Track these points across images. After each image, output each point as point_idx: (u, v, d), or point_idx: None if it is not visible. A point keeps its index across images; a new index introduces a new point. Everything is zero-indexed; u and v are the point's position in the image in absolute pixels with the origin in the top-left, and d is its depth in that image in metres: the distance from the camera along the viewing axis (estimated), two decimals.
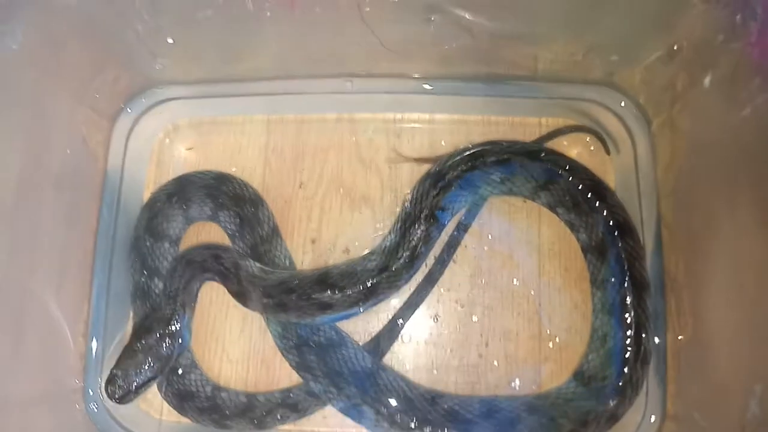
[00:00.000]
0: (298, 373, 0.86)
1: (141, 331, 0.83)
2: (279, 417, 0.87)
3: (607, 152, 0.91)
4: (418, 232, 0.85)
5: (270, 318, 0.87)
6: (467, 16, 0.74)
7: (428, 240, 0.86)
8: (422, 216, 0.85)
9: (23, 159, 0.75)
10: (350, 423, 0.87)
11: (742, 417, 0.61)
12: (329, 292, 0.81)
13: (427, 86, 0.95)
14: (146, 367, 0.80)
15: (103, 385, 0.80)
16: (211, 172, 0.93)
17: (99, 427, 0.85)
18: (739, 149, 0.70)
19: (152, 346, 0.81)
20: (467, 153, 0.88)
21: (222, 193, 0.91)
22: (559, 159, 0.88)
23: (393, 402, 0.81)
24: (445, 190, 0.86)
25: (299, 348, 0.84)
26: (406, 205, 0.89)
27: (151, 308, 0.88)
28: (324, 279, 0.82)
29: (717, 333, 0.74)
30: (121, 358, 0.81)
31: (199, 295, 0.90)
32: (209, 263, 0.86)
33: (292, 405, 0.87)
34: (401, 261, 0.84)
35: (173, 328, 0.83)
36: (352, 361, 0.84)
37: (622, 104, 0.90)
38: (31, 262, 0.78)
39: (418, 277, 0.90)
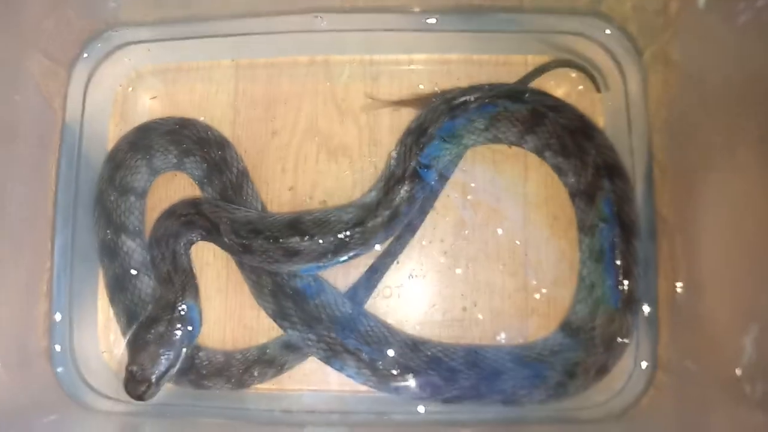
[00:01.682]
0: (275, 321, 0.82)
1: (148, 321, 0.80)
2: (256, 374, 0.84)
3: (598, 90, 0.85)
4: (401, 191, 0.80)
5: (243, 264, 0.84)
6: None
7: (411, 201, 0.82)
8: (406, 175, 0.80)
9: None
10: (333, 380, 0.85)
11: (737, 360, 0.58)
12: (298, 238, 0.77)
13: (404, 21, 0.88)
14: (162, 358, 0.77)
15: (123, 384, 0.76)
16: (172, 118, 0.88)
17: (66, 389, 0.82)
18: (742, 78, 0.64)
19: (162, 334, 0.78)
20: (447, 101, 0.82)
21: (185, 137, 0.86)
22: (545, 99, 0.82)
23: (374, 349, 0.78)
24: (427, 145, 0.81)
25: (275, 294, 0.81)
26: (391, 162, 0.84)
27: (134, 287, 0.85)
28: (295, 224, 0.78)
29: (711, 276, 0.70)
30: (134, 352, 0.78)
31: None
32: (183, 221, 0.82)
33: (269, 361, 0.84)
34: (379, 219, 0.80)
35: (180, 311, 0.79)
36: (331, 306, 0.80)
37: (610, 34, 0.84)
38: None
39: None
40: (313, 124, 0.91)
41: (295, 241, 0.77)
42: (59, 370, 0.83)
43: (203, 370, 0.84)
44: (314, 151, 0.90)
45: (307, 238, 0.77)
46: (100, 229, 0.86)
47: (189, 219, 0.81)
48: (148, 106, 0.91)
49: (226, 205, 0.82)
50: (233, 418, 0.86)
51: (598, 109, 0.86)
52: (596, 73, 0.86)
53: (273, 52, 0.91)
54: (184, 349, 0.80)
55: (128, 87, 0.92)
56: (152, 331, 0.78)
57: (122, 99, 0.92)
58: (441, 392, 0.77)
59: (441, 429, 0.81)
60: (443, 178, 0.86)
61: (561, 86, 0.87)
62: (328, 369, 0.82)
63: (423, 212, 0.86)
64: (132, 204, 0.86)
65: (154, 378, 0.76)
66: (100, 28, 0.87)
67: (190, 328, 0.80)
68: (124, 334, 0.85)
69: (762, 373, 0.55)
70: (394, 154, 0.84)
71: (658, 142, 0.80)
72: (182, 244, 0.83)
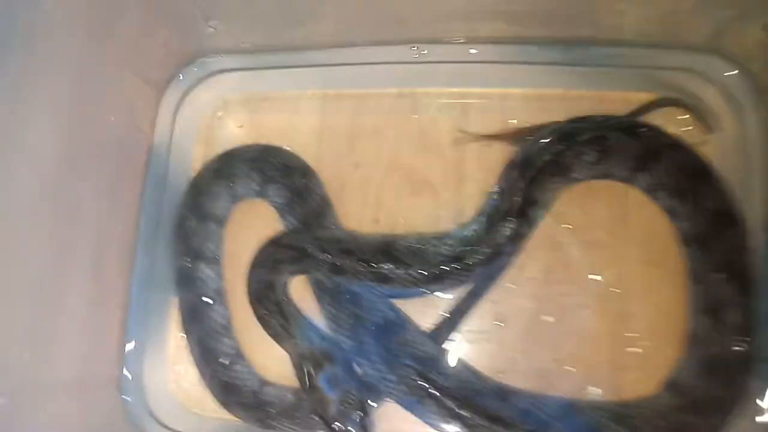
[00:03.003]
0: (354, 361, 0.78)
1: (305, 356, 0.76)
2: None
3: (710, 131, 0.80)
4: (507, 229, 0.76)
5: (323, 296, 0.80)
6: None
7: (516, 239, 0.78)
8: (512, 211, 0.76)
9: (66, 125, 0.70)
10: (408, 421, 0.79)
11: None
12: (392, 265, 0.74)
13: (498, 52, 0.86)
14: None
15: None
16: (256, 145, 0.88)
17: (133, 419, 0.80)
18: None
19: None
20: (555, 131, 0.78)
21: (269, 165, 0.86)
22: (661, 135, 0.77)
23: (458, 394, 0.73)
24: (535, 179, 0.77)
25: (354, 330, 0.77)
26: (493, 197, 0.80)
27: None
28: (388, 250, 0.76)
29: None
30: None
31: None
32: (270, 268, 0.80)
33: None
34: (480, 256, 0.76)
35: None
36: (414, 345, 0.76)
37: (728, 73, 0.79)
38: (71, 237, 0.73)
39: None
40: (398, 158, 0.89)
41: (388, 268, 0.74)
42: (128, 398, 0.81)
43: (272, 408, 0.80)
44: (398, 185, 0.88)
45: (401, 266, 0.74)
46: (178, 256, 0.85)
47: (275, 260, 0.80)
48: (234, 134, 0.91)
49: (305, 230, 0.80)
50: None
51: (711, 154, 0.80)
52: (707, 113, 0.81)
53: (361, 84, 0.91)
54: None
55: (216, 113, 0.92)
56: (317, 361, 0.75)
57: (209, 125, 0.92)
58: None
59: None
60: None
61: (667, 126, 0.81)
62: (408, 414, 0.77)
63: (510, 254, 0.81)
64: (212, 231, 0.86)
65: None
66: (194, 53, 0.89)
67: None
68: (197, 365, 0.82)
69: None
70: (496, 188, 0.80)
71: None
72: (280, 290, 0.80)
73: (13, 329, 0.64)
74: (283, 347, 0.78)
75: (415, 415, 0.76)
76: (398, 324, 0.78)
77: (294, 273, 0.81)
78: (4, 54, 0.60)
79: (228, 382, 0.81)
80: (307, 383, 0.74)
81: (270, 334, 0.80)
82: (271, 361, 0.84)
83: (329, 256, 0.77)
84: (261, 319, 0.80)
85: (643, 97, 0.83)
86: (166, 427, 0.81)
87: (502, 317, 0.82)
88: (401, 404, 0.76)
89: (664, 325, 0.78)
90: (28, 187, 0.66)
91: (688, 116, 0.81)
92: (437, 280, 0.76)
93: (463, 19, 0.84)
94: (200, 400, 0.84)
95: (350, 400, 0.73)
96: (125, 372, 0.81)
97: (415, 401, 0.74)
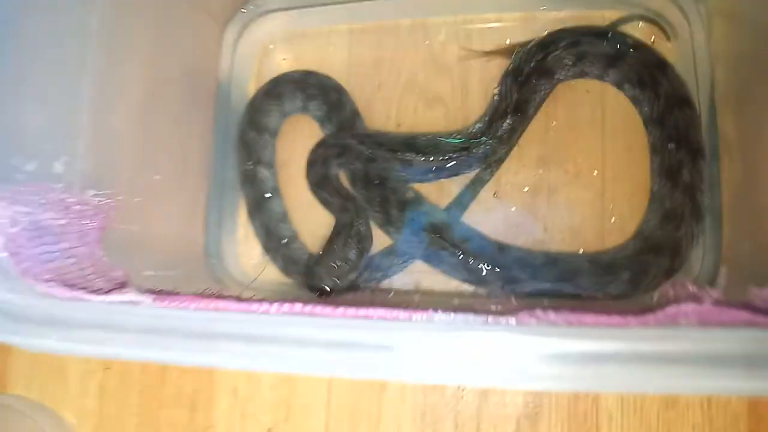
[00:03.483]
0: (382, 229, 0.98)
1: (341, 242, 0.93)
2: (364, 278, 0.97)
3: (668, 38, 0.97)
4: (504, 124, 0.94)
5: (356, 183, 1.00)
6: None
7: (512, 133, 0.96)
8: (508, 110, 0.94)
9: (156, 52, 0.91)
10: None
11: None
12: (413, 153, 0.94)
13: None
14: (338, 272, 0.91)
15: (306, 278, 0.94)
16: (298, 70, 1.08)
17: (215, 274, 1.02)
18: None
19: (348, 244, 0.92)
20: (539, 43, 0.96)
21: (309, 85, 1.05)
22: (625, 38, 0.94)
23: (467, 247, 0.92)
24: (524, 83, 0.95)
25: (383, 206, 0.97)
26: (494, 99, 0.98)
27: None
28: (411, 143, 0.96)
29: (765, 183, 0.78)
30: (321, 261, 0.93)
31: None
32: (322, 161, 0.99)
33: (376, 266, 0.98)
34: (482, 147, 0.94)
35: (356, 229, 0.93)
36: (431, 214, 0.96)
37: None
38: (159, 150, 0.93)
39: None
40: (413, 78, 1.06)
41: (411, 155, 0.94)
42: (212, 261, 1.03)
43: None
44: (414, 101, 1.06)
45: (421, 155, 0.93)
46: (242, 161, 1.05)
47: (325, 156, 0.99)
48: (280, 65, 1.11)
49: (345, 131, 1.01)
50: None
51: (668, 55, 0.96)
52: (665, 24, 0.97)
53: (380, 17, 1.08)
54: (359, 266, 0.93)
55: (266, 48, 1.12)
56: (345, 246, 0.92)
57: (261, 57, 1.12)
58: (524, 286, 0.90)
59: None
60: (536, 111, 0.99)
61: (635, 33, 0.97)
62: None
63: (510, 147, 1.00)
64: (267, 141, 1.06)
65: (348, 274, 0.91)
66: None
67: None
68: (262, 245, 1.04)
69: None
70: (496, 91, 0.98)
71: (720, 76, 0.89)
72: (333, 179, 0.99)
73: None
74: (341, 221, 0.96)
75: (432, 266, 0.95)
76: (416, 201, 0.98)
77: (341, 166, 1.00)
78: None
79: (288, 256, 1.02)
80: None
81: (331, 211, 0.99)
82: (317, 241, 1.04)
83: (365, 148, 0.97)
84: (323, 202, 0.99)
85: (615, 15, 0.99)
86: (235, 281, 1.03)
87: (501, 194, 1.00)
88: (422, 259, 0.96)
89: (635, 192, 0.95)
90: (124, 111, 0.84)
91: (651, 29, 0.98)
92: (447, 165, 0.95)
93: None
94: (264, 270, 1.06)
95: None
96: (209, 243, 1.04)
97: (432, 255, 0.94)
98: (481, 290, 0.93)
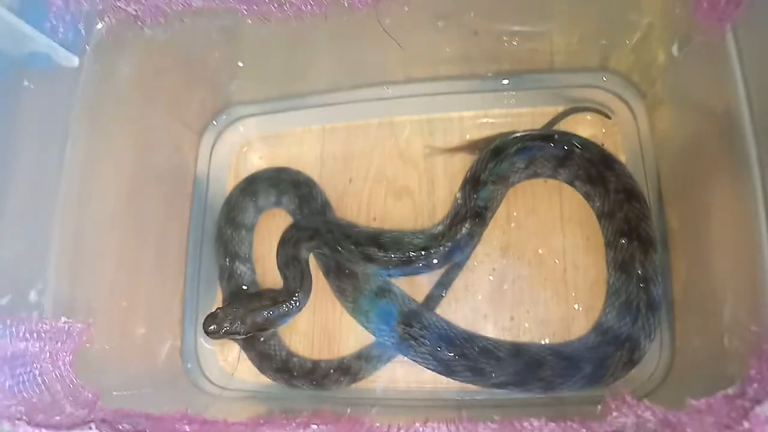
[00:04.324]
0: (354, 317, 1.02)
1: (259, 295, 1.00)
2: (334, 379, 1.01)
3: (608, 116, 1.03)
4: (463, 229, 0.99)
5: (329, 273, 1.04)
6: (469, 20, 0.90)
7: (471, 237, 1.00)
8: (467, 215, 0.99)
9: (133, 161, 0.97)
10: (397, 379, 1.02)
11: (723, 326, 0.71)
12: (376, 249, 0.98)
13: (455, 86, 1.11)
14: (238, 324, 0.96)
15: (205, 317, 0.97)
16: (272, 168, 1.14)
17: (192, 378, 1.05)
18: (721, 109, 0.79)
19: (256, 312, 0.97)
20: (491, 151, 1.01)
21: (281, 180, 1.11)
22: (571, 138, 1.00)
23: (434, 337, 0.95)
24: (481, 189, 1.00)
25: (354, 297, 1.01)
26: (456, 203, 1.02)
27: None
28: (376, 238, 0.99)
29: (715, 274, 0.82)
30: (232, 303, 0.98)
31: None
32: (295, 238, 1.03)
33: (345, 369, 1.02)
34: (441, 249, 0.98)
35: (282, 309, 0.99)
36: (401, 304, 1.00)
37: (619, 83, 1.02)
38: (140, 242, 0.99)
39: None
40: (382, 172, 1.13)
41: (373, 251, 0.98)
42: (188, 365, 1.06)
43: (295, 372, 1.03)
44: (383, 193, 1.12)
45: (382, 251, 0.97)
46: (219, 257, 1.10)
47: (296, 238, 1.03)
48: (256, 164, 1.17)
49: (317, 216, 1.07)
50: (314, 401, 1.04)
51: (619, 147, 1.03)
52: (611, 112, 1.03)
53: (350, 117, 1.15)
54: (258, 331, 0.98)
55: (242, 149, 1.19)
56: (256, 301, 0.98)
57: (237, 157, 1.19)
58: (489, 379, 0.92)
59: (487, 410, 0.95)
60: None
61: (587, 130, 1.04)
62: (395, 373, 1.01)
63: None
64: (243, 236, 1.11)
65: (223, 332, 0.95)
66: (223, 105, 1.16)
67: (280, 321, 0.99)
68: (240, 342, 1.07)
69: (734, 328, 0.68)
70: (458, 195, 1.03)
71: (664, 169, 0.95)
72: (303, 259, 1.03)
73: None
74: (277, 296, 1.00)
75: (403, 354, 0.98)
76: (388, 292, 1.01)
77: (310, 249, 1.03)
78: (90, 112, 0.86)
79: (263, 352, 1.04)
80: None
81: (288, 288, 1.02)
82: (294, 337, 1.08)
83: (333, 236, 1.01)
84: (284, 280, 1.02)
85: (558, 109, 1.06)
86: (215, 384, 1.05)
87: (470, 287, 1.03)
88: (393, 347, 0.99)
89: (596, 280, 0.99)
90: (98, 228, 0.89)
91: (590, 116, 1.04)
92: (407, 263, 0.98)
93: (423, 65, 1.09)
94: (243, 370, 1.08)
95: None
96: (185, 344, 1.06)
97: (403, 344, 0.97)
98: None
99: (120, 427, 0.59)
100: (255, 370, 1.06)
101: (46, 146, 0.80)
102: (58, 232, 0.79)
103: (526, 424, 0.59)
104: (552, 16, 0.92)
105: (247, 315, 0.97)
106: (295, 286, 1.00)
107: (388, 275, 1.02)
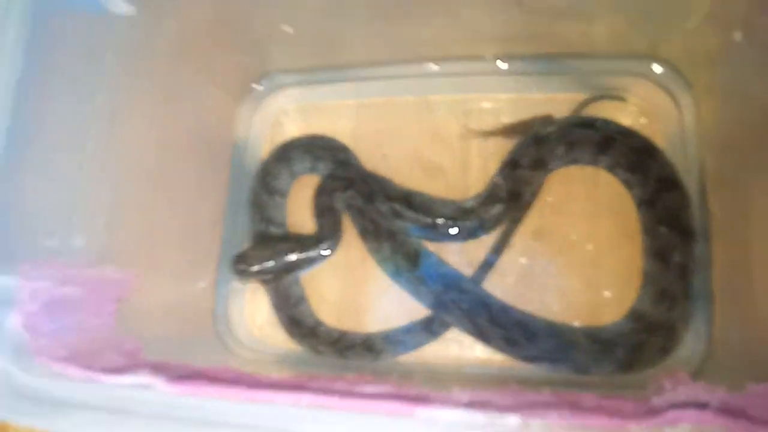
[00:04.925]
0: (393, 278, 1.03)
1: (292, 237, 1.03)
2: (358, 353, 1.01)
3: (622, 99, 1.04)
4: (494, 209, 0.99)
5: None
6: None
7: (499, 219, 1.00)
8: (501, 198, 1.00)
9: (169, 121, 0.96)
10: (417, 362, 1.01)
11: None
12: (405, 207, 1.00)
13: (493, 66, 1.10)
14: (269, 265, 0.99)
15: (234, 255, 0.99)
16: (306, 135, 1.14)
17: (223, 342, 1.04)
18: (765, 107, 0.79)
19: (284, 253, 1.00)
20: (532, 136, 1.02)
21: (317, 147, 1.11)
22: (611, 125, 1.00)
23: (472, 302, 0.96)
24: (519, 176, 1.00)
25: (394, 257, 1.01)
26: (494, 183, 1.02)
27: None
28: (408, 197, 1.02)
29: (758, 267, 0.81)
30: (261, 244, 1.01)
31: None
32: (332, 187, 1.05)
33: (369, 346, 1.01)
34: (467, 224, 0.99)
35: (311, 254, 1.01)
36: (439, 266, 1.01)
37: (666, 73, 1.01)
38: (171, 210, 0.97)
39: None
40: (416, 150, 1.12)
41: (402, 208, 1.00)
42: (220, 327, 1.05)
43: (321, 339, 1.03)
44: (416, 171, 1.10)
45: (411, 211, 1.00)
46: (254, 222, 1.09)
47: (331, 188, 1.05)
48: (292, 134, 1.16)
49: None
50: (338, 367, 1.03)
51: (660, 137, 1.01)
52: (652, 104, 1.03)
53: (387, 93, 1.15)
54: (283, 274, 1.00)
55: (278, 118, 1.18)
56: (285, 244, 1.01)
57: (273, 127, 1.18)
58: (522, 350, 0.93)
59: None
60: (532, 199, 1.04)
61: (627, 118, 1.03)
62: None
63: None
64: (278, 202, 1.11)
65: (253, 270, 0.98)
66: (263, 73, 1.15)
67: (307, 266, 1.01)
68: (272, 304, 1.07)
69: None
70: (495, 177, 1.03)
71: (709, 160, 0.95)
72: (337, 209, 1.05)
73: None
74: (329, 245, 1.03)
75: (440, 315, 0.98)
76: (426, 253, 1.02)
77: (344, 200, 1.04)
78: (144, 74, 0.86)
79: (294, 317, 1.05)
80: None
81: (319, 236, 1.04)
82: (323, 306, 1.08)
83: (368, 185, 1.02)
84: (320, 228, 1.04)
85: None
86: (245, 347, 1.05)
87: (502, 270, 1.03)
88: (430, 307, 0.99)
89: (627, 270, 0.98)
90: (140, 184, 0.89)
91: (639, 109, 1.04)
92: (432, 228, 1.01)
93: (465, 42, 1.07)
94: (271, 334, 1.08)
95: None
96: (218, 307, 1.06)
97: (440, 306, 0.98)
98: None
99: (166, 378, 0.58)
100: (282, 335, 1.06)
101: (93, 92, 0.79)
102: (105, 189, 0.79)
103: (580, 397, 0.58)
104: None
105: (275, 256, 0.99)
106: (328, 234, 1.02)
107: (412, 234, 1.02)
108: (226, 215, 1.10)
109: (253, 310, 1.10)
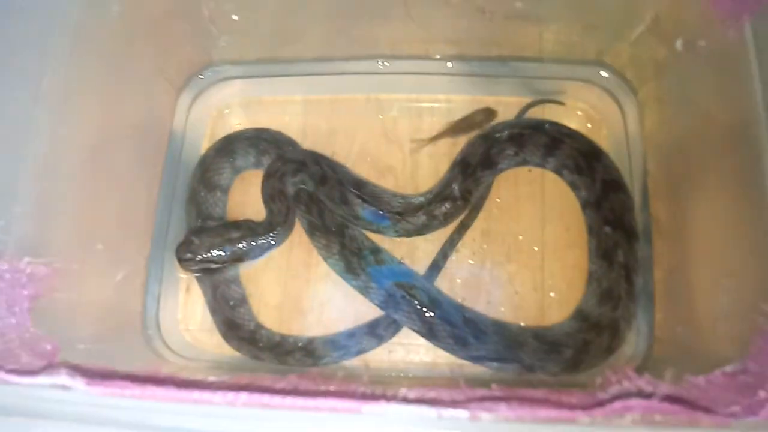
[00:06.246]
0: (343, 276, 0.99)
1: (242, 223, 0.96)
2: (297, 358, 0.97)
3: (561, 103, 1.06)
4: (443, 208, 0.99)
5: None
6: None
7: (446, 218, 1.00)
8: (450, 196, 0.99)
9: (108, 107, 0.90)
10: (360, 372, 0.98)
11: (714, 312, 0.72)
12: (355, 195, 0.98)
13: (446, 66, 1.10)
14: (216, 252, 0.93)
15: (178, 244, 0.93)
16: (250, 128, 1.09)
17: (152, 347, 0.97)
18: (718, 108, 0.81)
19: (233, 241, 0.94)
20: (483, 137, 1.01)
21: (262, 140, 1.06)
22: (561, 128, 1.01)
23: (423, 298, 0.94)
24: (470, 175, 1.00)
25: (342, 253, 0.98)
26: (443, 181, 1.01)
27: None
28: (359, 185, 1.00)
29: (696, 266, 0.84)
30: (206, 231, 0.94)
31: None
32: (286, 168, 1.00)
33: (311, 351, 0.97)
34: (414, 219, 0.98)
35: (265, 239, 0.96)
36: (391, 261, 1.00)
37: (612, 80, 1.04)
38: (105, 196, 0.91)
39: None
40: (366, 149, 1.10)
41: (352, 196, 0.97)
42: (149, 332, 0.97)
43: (261, 344, 0.98)
44: (366, 169, 1.08)
45: (360, 199, 0.97)
46: (190, 219, 1.03)
47: (282, 172, 0.99)
48: (234, 128, 1.11)
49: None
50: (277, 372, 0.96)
51: (605, 141, 1.04)
52: (596, 108, 1.06)
53: (336, 90, 1.12)
54: (233, 264, 0.95)
55: (222, 111, 1.13)
56: (234, 231, 0.94)
57: (214, 120, 1.13)
58: (470, 350, 0.91)
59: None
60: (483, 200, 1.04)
61: (573, 123, 1.05)
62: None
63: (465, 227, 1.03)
64: (218, 198, 1.05)
65: (199, 258, 0.92)
66: (207, 63, 1.10)
67: (257, 255, 0.96)
68: (208, 305, 1.01)
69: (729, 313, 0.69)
70: (446, 176, 1.02)
71: (652, 164, 0.97)
72: (289, 193, 1.00)
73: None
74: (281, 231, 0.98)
75: (389, 313, 0.96)
76: (374, 248, 1.00)
77: (295, 184, 1.00)
78: (87, 58, 0.80)
79: (232, 320, 0.99)
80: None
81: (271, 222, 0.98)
82: (264, 309, 1.02)
83: (320, 169, 0.98)
84: (270, 213, 0.98)
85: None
86: (176, 353, 0.98)
87: (449, 269, 1.02)
88: (379, 305, 0.97)
89: (573, 271, 1.00)
90: (68, 172, 0.82)
91: (585, 115, 1.06)
92: (379, 220, 0.98)
93: (419, 42, 1.07)
94: (206, 339, 1.02)
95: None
96: (147, 311, 0.98)
97: (389, 302, 0.95)
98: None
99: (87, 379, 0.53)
100: (218, 340, 1.00)
101: (25, 77, 0.73)
102: (28, 174, 0.72)
103: (528, 392, 0.57)
104: (560, 3, 0.92)
105: (225, 243, 0.93)
106: (279, 220, 0.97)
107: (362, 221, 0.99)
108: (158, 210, 1.03)
109: (186, 313, 1.04)
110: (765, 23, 0.70)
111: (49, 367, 0.52)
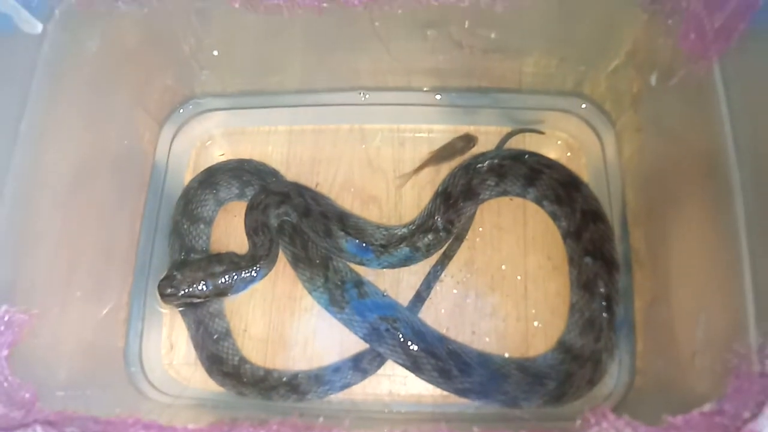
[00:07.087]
0: (327, 309, 0.99)
1: (219, 259, 0.96)
2: (281, 394, 0.96)
3: (541, 132, 1.08)
4: (425, 239, 0.99)
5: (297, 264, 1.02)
6: (456, 30, 0.91)
7: (429, 249, 1.00)
8: (432, 228, 0.99)
9: (89, 142, 0.90)
10: (345, 407, 0.98)
11: (692, 346, 0.73)
12: (338, 227, 0.97)
13: (428, 98, 1.11)
14: (199, 287, 0.92)
15: (160, 280, 0.92)
16: (233, 159, 1.09)
17: (135, 385, 0.95)
18: (694, 138, 0.83)
19: (216, 275, 0.93)
20: (464, 168, 1.02)
21: (245, 171, 1.06)
22: (541, 159, 1.03)
23: (407, 331, 0.94)
24: (451, 206, 1.00)
25: (326, 286, 0.99)
26: (425, 212, 1.02)
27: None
28: (342, 218, 1.00)
29: (676, 295, 0.85)
30: (189, 265, 0.94)
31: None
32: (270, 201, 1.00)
33: (295, 386, 0.96)
34: (397, 251, 0.98)
35: (248, 271, 0.95)
36: (375, 294, 1.00)
37: (590, 110, 1.06)
38: (86, 229, 0.90)
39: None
40: (350, 179, 1.10)
41: (335, 228, 0.97)
42: (132, 369, 0.96)
43: (245, 379, 0.97)
44: (350, 199, 1.09)
45: (343, 232, 0.97)
46: (174, 252, 1.03)
47: (265, 204, 0.99)
48: (217, 159, 1.11)
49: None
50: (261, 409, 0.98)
51: (584, 171, 1.06)
52: (576, 138, 1.08)
53: (320, 121, 1.13)
54: (219, 296, 0.95)
55: (204, 143, 1.13)
56: (216, 265, 0.94)
57: (198, 152, 1.13)
58: (455, 382, 0.91)
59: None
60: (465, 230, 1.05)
61: (551, 153, 1.07)
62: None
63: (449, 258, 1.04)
64: (201, 230, 1.05)
65: (181, 293, 0.91)
66: (189, 95, 1.10)
67: (240, 289, 0.95)
68: (192, 339, 1.00)
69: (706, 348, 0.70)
70: (428, 206, 1.02)
71: (630, 194, 0.99)
72: (272, 225, 1.00)
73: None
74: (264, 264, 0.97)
75: (373, 346, 0.96)
76: (358, 280, 1.00)
77: (279, 216, 1.00)
78: (65, 95, 0.80)
79: (216, 354, 0.98)
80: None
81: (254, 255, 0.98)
82: (248, 343, 1.02)
83: (304, 201, 0.99)
84: (253, 246, 0.98)
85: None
86: (159, 390, 0.96)
87: (435, 300, 1.02)
88: (363, 338, 0.96)
89: (556, 299, 1.00)
90: (47, 212, 0.82)
91: (565, 144, 1.08)
92: (361, 252, 0.98)
93: (400, 74, 1.08)
94: (188, 375, 1.01)
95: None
96: (129, 346, 0.97)
97: (373, 335, 0.95)
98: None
99: (67, 430, 0.53)
100: (202, 376, 0.99)
101: (2, 117, 0.72)
102: (5, 210, 0.72)
103: None
104: (537, 37, 0.94)
105: (207, 278, 0.92)
106: (263, 253, 0.97)
107: (345, 254, 0.99)
108: (140, 244, 1.02)
109: (169, 349, 1.03)
110: (732, 61, 0.73)
111: (23, 424, 0.51)
